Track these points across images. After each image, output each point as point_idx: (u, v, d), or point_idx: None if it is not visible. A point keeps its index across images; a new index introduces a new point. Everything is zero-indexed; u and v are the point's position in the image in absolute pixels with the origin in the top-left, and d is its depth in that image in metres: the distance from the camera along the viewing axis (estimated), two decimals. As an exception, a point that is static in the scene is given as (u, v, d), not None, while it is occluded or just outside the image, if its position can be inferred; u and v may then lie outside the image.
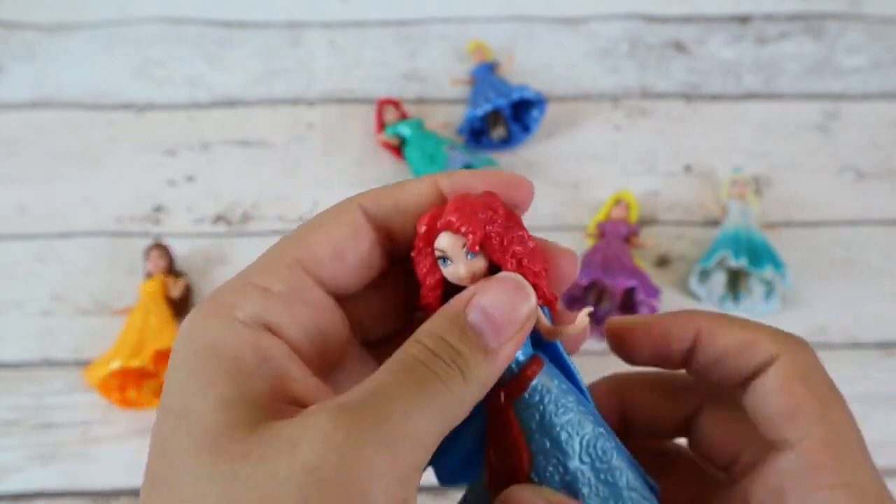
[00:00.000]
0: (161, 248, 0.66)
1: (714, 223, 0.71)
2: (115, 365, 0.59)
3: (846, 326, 0.66)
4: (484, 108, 0.72)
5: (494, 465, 0.25)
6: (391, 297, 0.27)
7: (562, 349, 0.26)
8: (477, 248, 0.24)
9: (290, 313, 0.23)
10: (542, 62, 0.81)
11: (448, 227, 0.24)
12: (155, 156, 0.75)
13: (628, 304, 0.65)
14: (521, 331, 0.23)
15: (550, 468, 0.24)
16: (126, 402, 0.61)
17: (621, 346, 0.28)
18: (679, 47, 0.83)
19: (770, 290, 0.66)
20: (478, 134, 0.75)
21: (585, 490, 0.25)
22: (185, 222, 0.71)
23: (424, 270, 0.25)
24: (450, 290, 0.24)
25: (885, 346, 0.65)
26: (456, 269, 0.24)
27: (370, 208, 0.25)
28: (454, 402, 0.21)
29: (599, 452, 0.25)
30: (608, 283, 0.63)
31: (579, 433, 0.25)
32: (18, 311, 0.66)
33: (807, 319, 0.66)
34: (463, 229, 0.24)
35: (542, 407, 0.24)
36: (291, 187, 0.73)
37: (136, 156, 0.75)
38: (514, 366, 0.24)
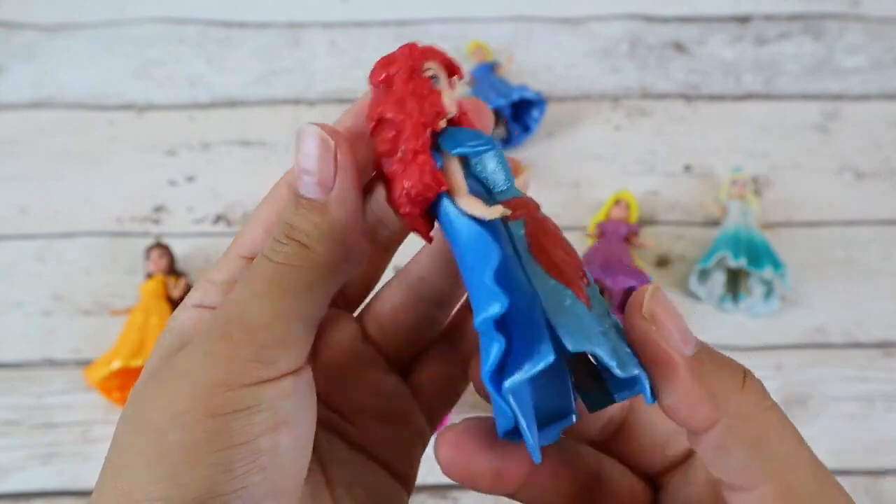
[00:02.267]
0: (161, 248, 0.66)
1: (714, 223, 0.71)
2: (116, 365, 0.59)
3: (846, 326, 0.66)
4: (484, 109, 0.72)
5: (573, 265, 0.24)
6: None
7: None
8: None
9: (224, 293, 0.25)
10: (542, 62, 0.81)
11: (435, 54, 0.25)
12: (155, 156, 0.75)
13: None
14: (341, 170, 0.24)
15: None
16: (126, 402, 0.61)
17: None
18: (679, 47, 0.83)
19: (770, 290, 0.66)
20: (478, 134, 0.75)
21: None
22: (186, 222, 0.71)
23: (425, 88, 0.24)
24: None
25: (885, 346, 0.65)
26: (449, 93, 0.25)
27: (292, 182, 0.26)
28: (302, 273, 0.23)
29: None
30: (608, 283, 0.63)
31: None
32: (18, 311, 0.66)
33: (807, 319, 0.66)
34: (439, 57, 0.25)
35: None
36: (291, 187, 0.73)
37: (136, 156, 0.75)
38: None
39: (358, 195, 0.24)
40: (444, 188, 0.24)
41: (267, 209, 0.26)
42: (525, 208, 0.25)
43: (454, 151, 0.24)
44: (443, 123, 0.24)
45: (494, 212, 0.24)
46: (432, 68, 0.24)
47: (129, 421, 0.24)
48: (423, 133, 0.24)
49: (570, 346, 0.21)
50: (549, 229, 0.25)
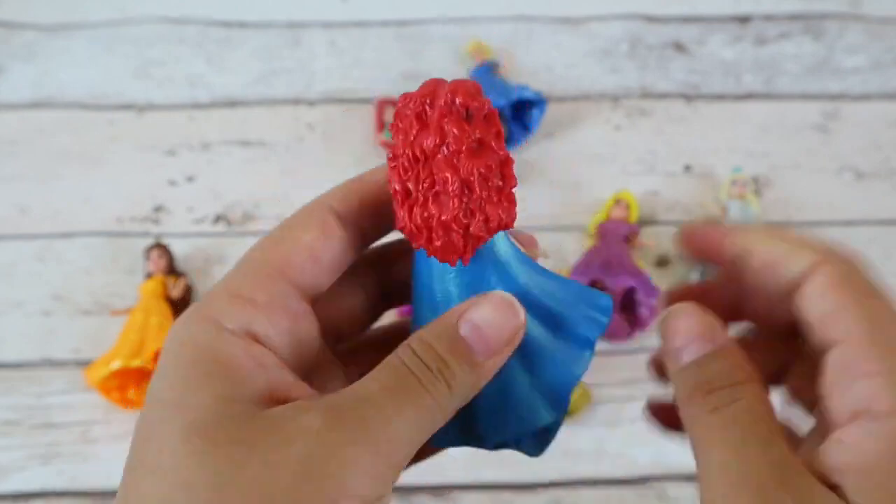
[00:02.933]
0: (161, 248, 0.66)
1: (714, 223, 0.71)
2: (116, 365, 0.59)
3: (846, 326, 0.66)
4: (484, 108, 0.72)
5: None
6: (357, 293, 0.29)
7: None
8: None
9: (273, 323, 0.24)
10: (542, 62, 0.81)
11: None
12: (155, 156, 0.75)
13: (628, 304, 0.65)
14: (509, 346, 0.24)
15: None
16: (126, 402, 0.61)
17: (688, 243, 0.30)
18: (679, 47, 0.83)
19: (770, 290, 0.66)
20: (478, 134, 0.75)
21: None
22: (186, 222, 0.71)
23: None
24: None
25: (884, 346, 0.65)
26: None
27: (338, 207, 0.26)
28: (436, 411, 0.23)
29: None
30: (608, 284, 0.63)
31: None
32: (18, 311, 0.66)
33: (807, 319, 0.66)
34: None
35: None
36: (291, 187, 0.73)
37: (136, 156, 0.75)
38: None
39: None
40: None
41: (310, 234, 0.25)
42: None
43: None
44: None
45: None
46: None
47: (208, 495, 0.20)
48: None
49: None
50: None
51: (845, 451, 0.23)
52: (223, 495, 0.20)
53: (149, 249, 0.66)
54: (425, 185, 0.23)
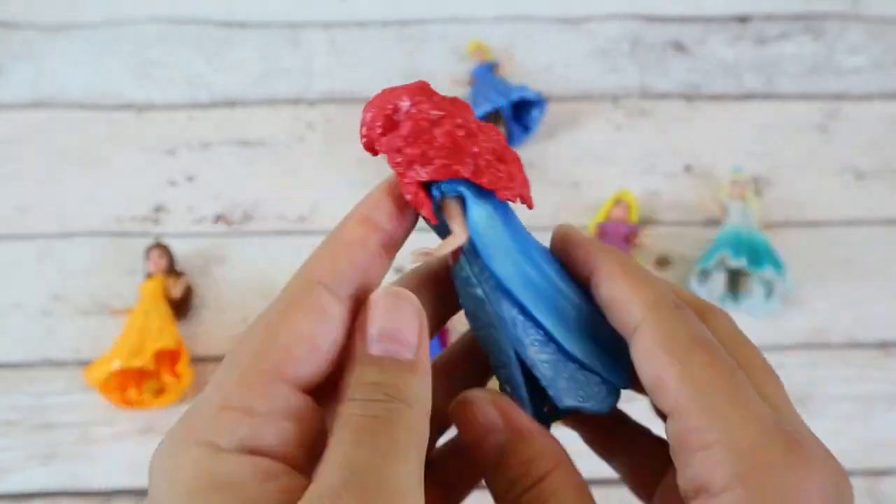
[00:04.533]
0: (161, 248, 0.66)
1: (714, 223, 0.71)
2: (116, 365, 0.59)
3: (846, 326, 0.66)
4: (484, 108, 0.72)
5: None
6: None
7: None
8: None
9: (276, 431, 0.21)
10: (542, 62, 0.81)
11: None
12: (155, 156, 0.75)
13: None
14: (423, 330, 0.23)
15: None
16: (126, 402, 0.61)
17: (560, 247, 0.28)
18: (679, 47, 0.83)
19: (770, 291, 0.66)
20: (478, 134, 0.75)
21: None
22: (186, 222, 0.71)
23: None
24: None
25: (885, 346, 0.65)
26: None
27: (331, 282, 0.23)
28: (412, 429, 0.21)
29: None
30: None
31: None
32: (18, 311, 0.66)
33: (807, 319, 0.66)
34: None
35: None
36: (291, 187, 0.73)
37: (136, 156, 0.75)
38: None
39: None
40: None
41: (306, 321, 0.23)
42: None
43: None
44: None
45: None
46: None
47: None
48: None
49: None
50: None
51: None
52: None
53: (149, 249, 0.66)
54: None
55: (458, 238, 0.25)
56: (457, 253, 0.25)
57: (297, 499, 0.19)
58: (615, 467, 0.30)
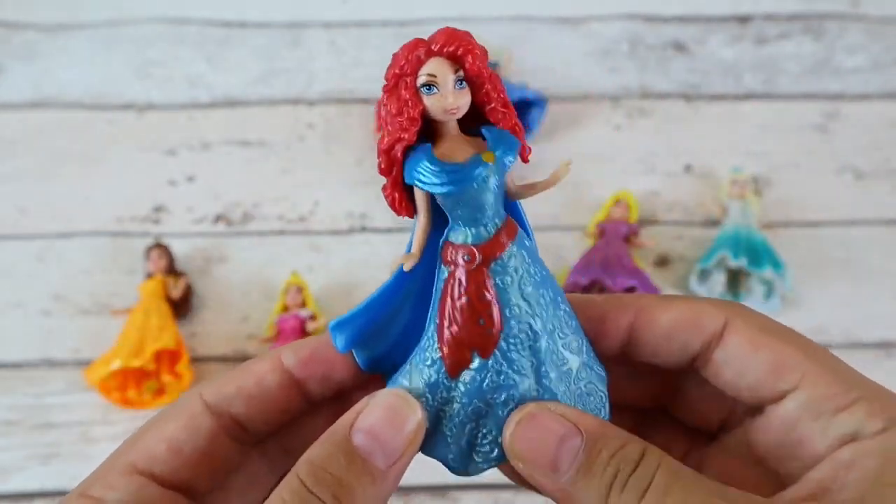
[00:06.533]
0: (161, 248, 0.66)
1: (714, 223, 0.71)
2: (116, 365, 0.59)
3: (846, 326, 0.66)
4: (484, 108, 0.72)
5: (458, 336, 0.24)
6: (251, 489, 0.26)
7: (522, 212, 0.26)
8: (475, 72, 0.22)
9: None
10: (542, 62, 0.81)
11: (442, 50, 0.22)
12: (155, 156, 0.75)
13: (628, 304, 0.65)
14: (411, 447, 0.23)
15: (523, 338, 0.24)
16: (126, 402, 0.61)
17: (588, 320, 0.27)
18: (679, 47, 0.83)
19: (770, 290, 0.66)
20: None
21: (551, 358, 0.24)
22: (186, 222, 0.71)
23: (403, 101, 0.22)
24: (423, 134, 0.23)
25: (885, 346, 0.65)
26: (444, 98, 0.22)
27: (210, 398, 0.25)
28: None
29: (563, 324, 0.25)
30: (608, 283, 0.63)
31: (545, 297, 0.24)
32: (18, 311, 0.66)
33: (807, 319, 0.66)
34: (460, 51, 0.22)
35: (518, 271, 0.24)
36: (291, 187, 0.73)
37: (136, 156, 0.75)
38: (490, 227, 0.24)
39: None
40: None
41: (170, 425, 0.24)
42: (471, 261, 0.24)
43: (407, 178, 0.24)
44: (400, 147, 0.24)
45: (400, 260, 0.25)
46: (429, 72, 0.23)
47: None
48: (387, 160, 0.23)
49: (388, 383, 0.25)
50: (469, 292, 0.24)
51: (842, 468, 0.22)
52: None
53: (149, 249, 0.66)
54: None
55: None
56: (498, 250, 0.24)
57: None
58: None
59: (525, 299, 0.24)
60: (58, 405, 0.62)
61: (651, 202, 0.72)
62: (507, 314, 0.24)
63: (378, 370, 0.26)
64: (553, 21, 0.85)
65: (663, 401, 0.28)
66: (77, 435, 0.60)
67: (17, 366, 0.64)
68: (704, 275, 0.67)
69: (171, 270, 0.66)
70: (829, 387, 0.23)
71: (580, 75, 0.81)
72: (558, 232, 0.70)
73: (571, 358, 0.25)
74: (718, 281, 0.66)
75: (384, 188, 0.24)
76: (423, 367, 0.25)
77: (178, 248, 0.68)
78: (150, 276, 0.65)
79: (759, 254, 0.65)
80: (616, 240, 0.66)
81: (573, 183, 0.73)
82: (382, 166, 0.23)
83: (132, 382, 0.61)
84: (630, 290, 0.64)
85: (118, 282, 0.67)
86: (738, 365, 0.24)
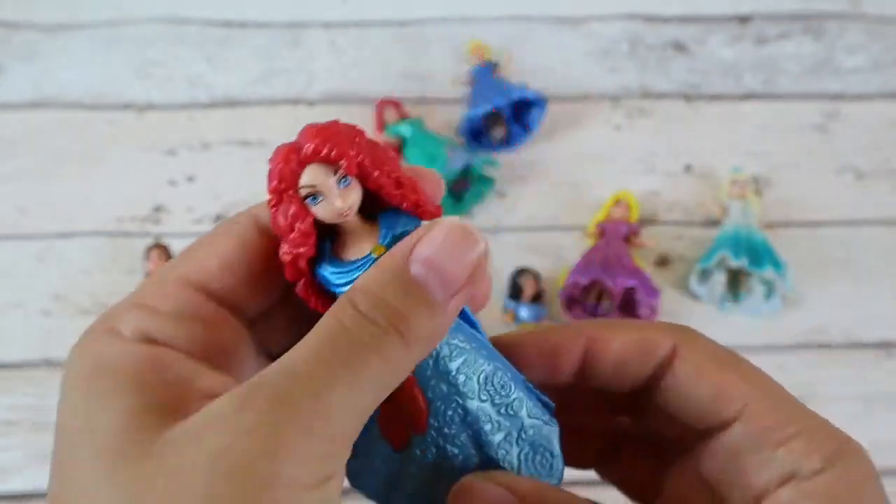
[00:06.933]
0: (161, 249, 0.66)
1: (714, 223, 0.71)
2: (116, 365, 0.59)
3: (846, 326, 0.66)
4: (484, 108, 0.72)
5: (388, 427, 0.25)
6: (300, 321, 0.25)
7: None
8: (354, 171, 0.21)
9: (180, 329, 0.22)
10: (542, 62, 0.81)
11: (315, 156, 0.21)
12: (155, 156, 0.75)
13: (628, 304, 0.65)
14: (472, 279, 0.21)
15: (450, 412, 0.24)
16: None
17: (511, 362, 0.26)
18: (679, 47, 0.83)
19: (770, 290, 0.66)
20: (478, 134, 0.75)
21: (488, 427, 0.24)
22: (186, 222, 0.71)
23: (290, 216, 0.22)
24: (323, 237, 0.23)
25: (885, 346, 0.65)
26: (331, 204, 0.21)
27: (264, 218, 0.24)
28: (390, 371, 0.20)
29: (498, 388, 0.24)
30: (608, 283, 0.63)
31: (475, 372, 0.24)
32: (18, 311, 0.66)
33: (807, 319, 0.66)
34: (333, 154, 0.21)
35: (434, 353, 0.23)
36: (291, 187, 0.73)
37: (136, 156, 0.75)
38: None
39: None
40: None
41: (223, 242, 0.23)
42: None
43: (323, 283, 0.23)
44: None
45: None
46: (308, 183, 0.22)
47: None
48: (294, 272, 0.23)
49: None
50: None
51: None
52: None
53: (149, 250, 0.66)
54: None
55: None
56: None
57: (192, 386, 0.20)
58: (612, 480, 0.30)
59: (446, 379, 0.24)
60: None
61: (651, 202, 0.72)
62: (430, 395, 0.24)
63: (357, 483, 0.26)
64: (553, 21, 0.85)
65: (623, 425, 0.29)
66: (77, 435, 0.60)
67: (17, 366, 0.63)
68: (705, 275, 0.67)
69: (171, 270, 0.66)
70: (768, 418, 0.23)
71: (580, 75, 0.81)
72: (558, 232, 0.70)
73: (510, 421, 0.25)
74: (719, 281, 0.66)
75: (298, 291, 0.24)
76: (376, 444, 0.25)
77: (178, 248, 0.68)
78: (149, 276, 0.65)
79: (759, 254, 0.65)
80: (616, 240, 0.66)
81: (573, 183, 0.73)
82: (290, 278, 0.23)
83: (132, 382, 0.61)
84: (630, 290, 0.64)
85: (118, 282, 0.67)
86: (684, 392, 0.25)
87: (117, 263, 0.69)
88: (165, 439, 0.18)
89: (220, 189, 0.73)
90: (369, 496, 0.26)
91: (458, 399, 0.24)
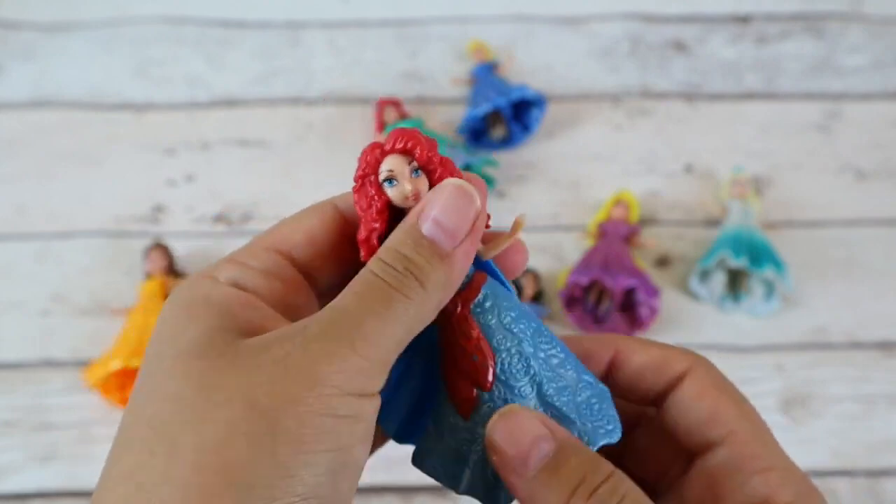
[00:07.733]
0: (161, 248, 0.66)
1: (714, 223, 0.71)
2: (116, 365, 0.59)
3: (846, 326, 0.66)
4: (484, 108, 0.72)
5: (458, 375, 0.27)
6: None
7: (497, 270, 0.28)
8: (425, 160, 0.26)
9: (265, 282, 0.26)
10: (542, 62, 0.81)
11: (394, 148, 0.26)
12: (155, 156, 0.75)
13: (628, 304, 0.65)
14: (473, 231, 0.25)
15: (515, 362, 0.26)
16: (126, 403, 0.61)
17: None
18: (679, 47, 0.83)
19: (770, 290, 0.66)
20: (478, 134, 0.75)
21: (549, 375, 0.27)
22: (185, 222, 0.71)
23: (370, 197, 0.26)
24: (394, 220, 0.26)
25: (885, 346, 0.65)
26: (402, 188, 0.26)
27: (343, 206, 0.28)
28: (413, 308, 0.24)
29: (553, 343, 0.27)
30: (608, 283, 0.63)
31: (528, 326, 0.27)
32: (18, 311, 0.66)
33: (807, 319, 0.66)
34: (409, 145, 0.26)
35: (495, 308, 0.27)
36: (291, 187, 0.73)
37: (135, 156, 0.75)
38: (464, 282, 0.27)
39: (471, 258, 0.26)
40: None
41: (308, 219, 0.27)
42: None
43: None
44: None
45: None
46: (387, 168, 0.26)
47: (193, 400, 0.22)
48: (367, 248, 0.26)
49: (413, 461, 0.28)
50: (457, 339, 0.27)
51: None
52: (208, 401, 0.22)
53: (148, 249, 0.66)
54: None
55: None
56: (473, 294, 0.27)
57: (267, 324, 0.24)
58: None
59: (508, 330, 0.27)
60: (57, 405, 0.62)
61: (651, 202, 0.72)
62: (495, 345, 0.26)
63: (407, 440, 0.29)
64: (553, 21, 0.85)
65: (615, 454, 0.30)
66: (76, 435, 0.60)
67: (17, 366, 0.63)
68: (705, 275, 0.67)
69: (171, 271, 0.66)
70: (751, 448, 0.26)
71: (580, 75, 0.81)
72: (558, 232, 0.70)
73: (567, 374, 0.27)
74: (719, 281, 0.66)
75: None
76: (443, 419, 0.27)
77: (178, 248, 0.68)
78: (148, 276, 0.65)
79: (759, 254, 0.65)
80: (616, 240, 0.66)
81: (573, 183, 0.73)
82: (364, 254, 0.26)
83: (132, 382, 0.61)
84: (630, 290, 0.64)
85: (117, 282, 0.67)
86: (684, 408, 0.28)
87: (116, 263, 0.68)
88: (238, 347, 0.23)
89: (219, 189, 0.73)
90: (438, 478, 0.28)
91: (519, 349, 0.26)
